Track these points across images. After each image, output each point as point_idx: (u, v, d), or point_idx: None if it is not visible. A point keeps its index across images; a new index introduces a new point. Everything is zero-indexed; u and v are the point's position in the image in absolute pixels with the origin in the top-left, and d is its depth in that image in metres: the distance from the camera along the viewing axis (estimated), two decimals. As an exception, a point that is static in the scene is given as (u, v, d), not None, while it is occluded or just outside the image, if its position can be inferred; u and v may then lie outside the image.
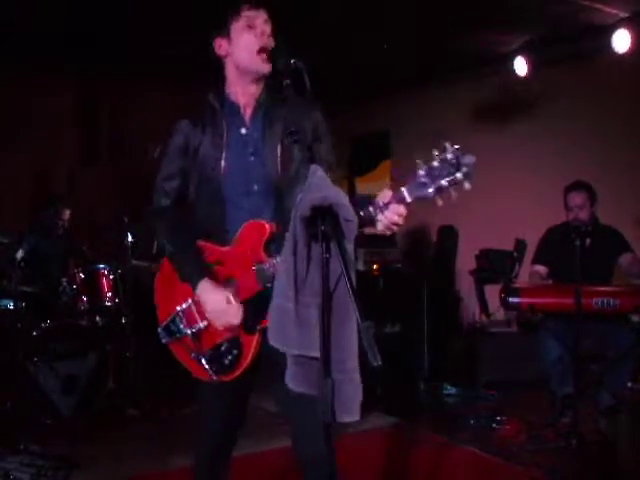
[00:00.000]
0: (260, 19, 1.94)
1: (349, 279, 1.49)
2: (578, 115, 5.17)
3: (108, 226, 5.07)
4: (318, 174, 1.64)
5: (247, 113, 2.00)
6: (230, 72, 2.01)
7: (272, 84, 1.95)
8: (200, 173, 1.98)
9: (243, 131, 1.98)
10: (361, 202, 1.67)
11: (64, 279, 4.42)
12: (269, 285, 1.77)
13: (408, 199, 1.58)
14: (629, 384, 4.08)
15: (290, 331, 1.65)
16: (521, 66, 5.19)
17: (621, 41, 4.51)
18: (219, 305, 1.86)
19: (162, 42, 5.08)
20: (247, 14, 1.93)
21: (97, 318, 4.53)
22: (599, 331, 3.75)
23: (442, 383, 4.86)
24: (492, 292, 4.47)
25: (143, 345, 4.49)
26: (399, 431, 4.00)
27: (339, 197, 1.58)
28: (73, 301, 4.40)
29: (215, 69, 2.04)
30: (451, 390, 4.82)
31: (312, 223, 1.57)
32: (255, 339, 1.86)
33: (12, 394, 3.96)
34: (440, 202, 1.51)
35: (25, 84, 5.72)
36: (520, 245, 4.68)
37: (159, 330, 2.08)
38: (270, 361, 1.81)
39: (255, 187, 1.94)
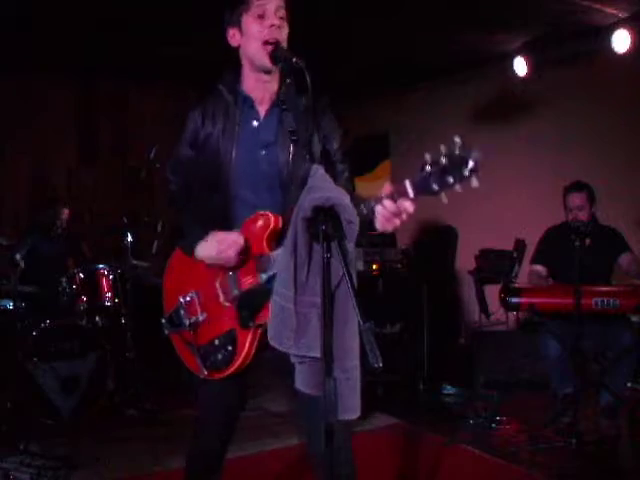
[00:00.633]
0: (272, 5, 1.87)
1: (350, 280, 1.48)
2: (578, 115, 5.17)
3: (108, 226, 5.07)
4: (319, 173, 1.64)
5: (262, 108, 1.97)
6: (244, 64, 1.97)
7: (289, 82, 1.90)
8: (209, 164, 1.96)
9: (255, 124, 1.96)
10: (361, 199, 1.65)
11: (64, 279, 4.41)
12: (265, 277, 1.77)
13: (411, 193, 1.51)
14: (629, 384, 4.09)
15: (289, 331, 1.65)
16: (521, 66, 5.19)
17: (621, 41, 4.52)
18: (212, 244, 1.87)
19: (162, 42, 5.09)
20: (257, 2, 1.86)
21: (97, 318, 4.53)
22: (599, 331, 3.75)
23: (442, 383, 4.86)
24: (492, 292, 4.47)
25: (143, 345, 4.50)
26: (399, 431, 4.00)
27: (341, 198, 1.57)
28: (73, 301, 4.40)
29: (210, 66, 2.01)
30: (451, 390, 4.82)
31: (313, 223, 1.56)
32: (250, 335, 1.85)
33: (12, 394, 3.95)
34: (445, 199, 1.45)
35: (25, 84, 5.72)
36: (520, 245, 4.68)
37: (162, 321, 2.08)
38: (280, 361, 1.80)
39: (263, 182, 1.92)
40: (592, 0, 4.28)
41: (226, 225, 1.93)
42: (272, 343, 1.70)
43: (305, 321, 1.63)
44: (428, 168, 1.45)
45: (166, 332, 2.07)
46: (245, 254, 1.85)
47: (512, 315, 4.87)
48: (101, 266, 4.59)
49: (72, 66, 5.77)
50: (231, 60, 1.98)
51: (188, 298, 2.00)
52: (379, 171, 7.24)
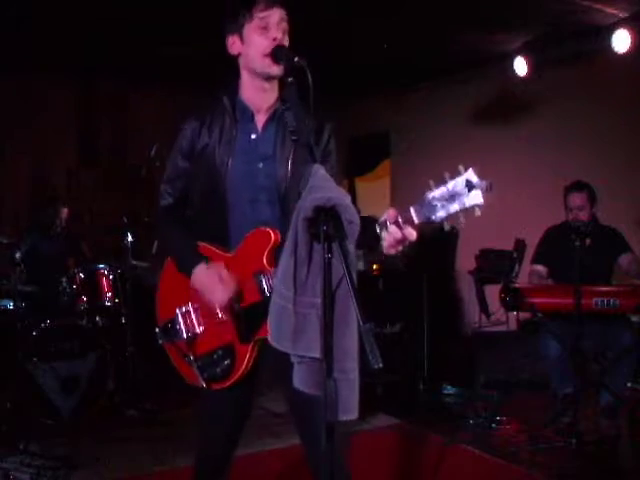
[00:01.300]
0: (274, 18, 1.83)
1: (351, 281, 1.47)
2: (578, 115, 5.17)
3: (108, 226, 5.07)
4: (320, 173, 1.63)
5: (260, 119, 1.94)
6: (243, 73, 1.94)
7: (291, 81, 1.84)
8: (205, 176, 1.93)
9: (253, 137, 1.93)
10: (366, 221, 1.63)
11: (64, 279, 4.41)
12: (269, 295, 1.74)
13: (416, 220, 1.51)
14: (629, 384, 4.09)
15: (288, 331, 1.64)
16: (521, 66, 5.19)
17: (621, 41, 4.52)
18: (210, 279, 1.83)
19: (162, 43, 5.09)
20: (260, 15, 1.82)
21: (97, 318, 4.53)
22: (599, 331, 3.75)
23: (442, 383, 4.86)
24: (492, 292, 4.47)
25: (143, 345, 4.50)
26: (399, 431, 4.00)
27: (342, 198, 1.56)
28: (73, 301, 4.39)
29: (206, 70, 1.99)
30: (451, 390, 4.82)
31: (314, 224, 1.55)
32: (249, 349, 1.84)
33: (12, 394, 3.95)
34: (447, 227, 1.46)
35: (25, 84, 5.72)
36: (520, 245, 4.67)
37: (157, 330, 2.05)
38: (279, 361, 1.80)
39: (261, 195, 1.90)
40: (592, 0, 4.28)
41: (224, 238, 1.92)
42: (272, 343, 1.70)
43: (304, 321, 1.62)
44: (432, 195, 1.46)
45: (160, 342, 2.04)
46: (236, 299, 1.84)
47: (512, 315, 4.86)
48: (101, 266, 4.59)
49: (72, 66, 5.77)
50: (231, 60, 1.96)
51: (184, 310, 1.97)
52: (379, 171, 7.24)
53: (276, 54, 1.81)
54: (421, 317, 5.00)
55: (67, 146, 6.17)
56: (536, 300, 3.76)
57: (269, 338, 1.70)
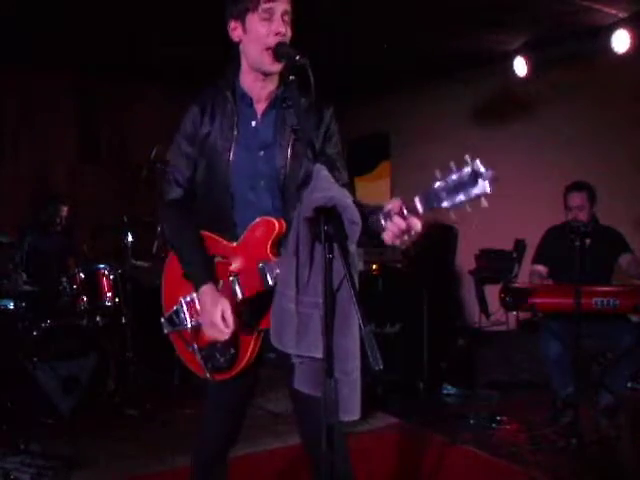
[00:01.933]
0: (279, 9, 1.80)
1: (352, 281, 1.47)
2: (578, 115, 5.17)
3: (108, 226, 5.07)
4: (322, 174, 1.62)
5: (260, 106, 1.93)
6: (243, 60, 1.92)
7: (292, 79, 1.84)
8: (207, 163, 1.92)
9: (254, 124, 1.92)
10: (369, 211, 1.63)
11: (64, 279, 4.40)
12: (272, 285, 1.74)
13: (420, 210, 1.50)
14: (629, 384, 4.09)
15: (290, 332, 1.64)
16: (521, 66, 5.19)
17: (621, 41, 4.52)
18: (213, 317, 1.81)
19: (162, 43, 5.09)
20: (265, 6, 1.79)
21: (97, 318, 4.52)
22: (599, 331, 3.75)
23: (442, 383, 4.86)
24: (492, 292, 4.47)
25: (143, 345, 4.50)
26: (399, 431, 4.00)
27: (343, 198, 1.56)
28: (73, 301, 4.39)
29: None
30: (451, 390, 4.82)
31: (316, 224, 1.54)
32: (253, 340, 1.84)
33: (12, 394, 3.95)
34: (453, 216, 1.44)
35: (25, 84, 5.72)
36: (520, 245, 4.68)
37: (162, 320, 2.04)
38: (281, 361, 1.79)
39: (261, 182, 1.90)
40: (592, 0, 4.28)
41: (229, 225, 1.91)
42: (273, 343, 1.70)
43: (307, 321, 1.62)
44: (438, 185, 1.44)
45: (166, 331, 2.04)
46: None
47: (512, 315, 4.86)
48: (101, 266, 4.58)
49: (73, 65, 5.77)
50: (231, 61, 1.96)
51: (189, 299, 1.96)
52: (379, 171, 7.24)
53: (277, 51, 1.79)
54: (421, 317, 4.99)
55: (67, 146, 6.16)
56: (536, 300, 3.76)
57: (272, 340, 1.70)
